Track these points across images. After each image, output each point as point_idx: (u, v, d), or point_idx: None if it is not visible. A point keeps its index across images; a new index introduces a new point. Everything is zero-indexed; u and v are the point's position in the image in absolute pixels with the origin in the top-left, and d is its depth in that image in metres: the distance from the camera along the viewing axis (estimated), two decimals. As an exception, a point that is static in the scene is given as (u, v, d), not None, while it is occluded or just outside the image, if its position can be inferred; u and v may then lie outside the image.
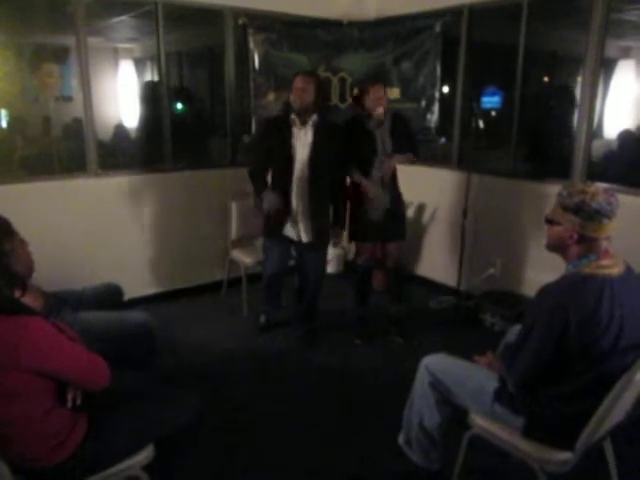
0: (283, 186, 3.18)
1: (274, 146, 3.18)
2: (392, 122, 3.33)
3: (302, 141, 3.14)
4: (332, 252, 4.85)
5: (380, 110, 3.19)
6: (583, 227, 1.72)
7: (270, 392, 3.00)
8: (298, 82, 3.07)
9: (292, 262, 3.67)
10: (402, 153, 3.35)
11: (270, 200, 3.12)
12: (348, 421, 2.74)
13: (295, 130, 3.14)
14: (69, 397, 1.67)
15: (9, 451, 1.62)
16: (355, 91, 3.56)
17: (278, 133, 3.16)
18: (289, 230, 3.28)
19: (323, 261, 3.52)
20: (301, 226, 3.25)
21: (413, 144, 3.44)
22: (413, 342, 3.54)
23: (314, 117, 3.13)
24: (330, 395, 2.98)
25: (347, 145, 3.25)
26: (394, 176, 3.42)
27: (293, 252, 3.55)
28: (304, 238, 3.27)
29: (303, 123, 3.13)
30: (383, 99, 3.24)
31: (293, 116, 3.13)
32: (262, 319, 3.74)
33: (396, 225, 3.48)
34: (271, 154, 3.21)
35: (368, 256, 3.55)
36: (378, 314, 3.79)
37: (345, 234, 3.60)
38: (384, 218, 3.38)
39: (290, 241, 3.34)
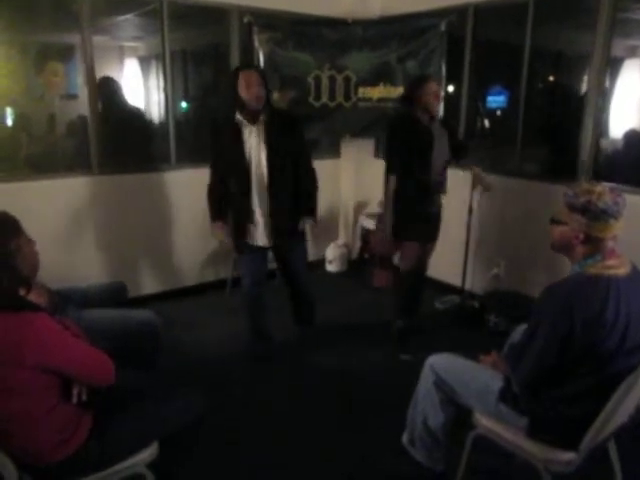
0: (243, 195, 2.94)
1: (226, 154, 2.93)
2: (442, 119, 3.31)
3: (256, 141, 2.86)
4: (336, 251, 4.86)
5: (436, 104, 3.13)
6: (589, 227, 1.71)
7: (271, 391, 3.00)
8: (247, 77, 2.75)
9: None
10: (454, 150, 3.32)
11: (216, 235, 3.07)
12: (349, 420, 2.74)
13: (246, 132, 2.85)
14: (74, 392, 1.67)
15: (14, 447, 1.63)
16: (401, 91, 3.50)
17: (227, 138, 2.89)
18: (257, 238, 3.04)
19: (304, 252, 3.29)
20: (266, 230, 3.01)
21: (461, 142, 3.44)
22: (416, 340, 3.53)
23: (264, 113, 2.83)
24: (331, 394, 2.97)
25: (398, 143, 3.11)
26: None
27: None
28: (270, 242, 3.04)
29: (254, 121, 2.84)
30: (439, 94, 3.16)
31: (240, 117, 2.83)
32: (258, 349, 3.39)
33: (437, 225, 3.44)
34: (225, 163, 2.96)
35: (414, 260, 3.34)
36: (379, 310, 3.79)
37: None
38: (432, 217, 3.33)
39: (263, 249, 3.11)
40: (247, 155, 2.87)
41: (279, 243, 3.06)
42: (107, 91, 3.88)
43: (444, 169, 3.30)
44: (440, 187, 3.31)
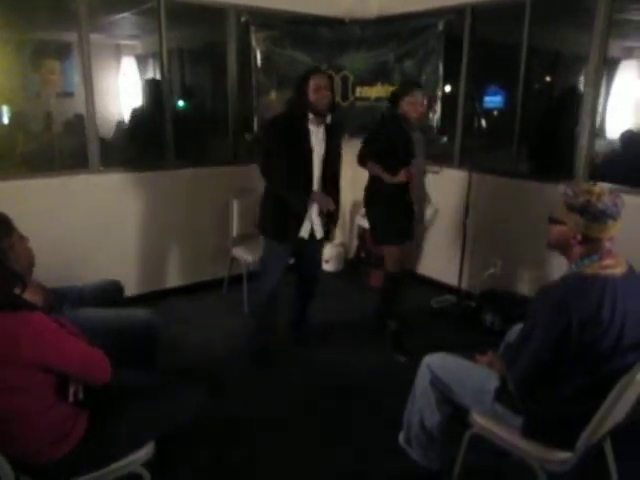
0: (304, 186, 3.05)
1: (290, 147, 3.01)
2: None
3: (318, 140, 3.04)
4: (333, 250, 4.86)
5: (414, 116, 3.19)
6: (587, 228, 1.72)
7: (269, 390, 3.00)
8: (319, 81, 2.93)
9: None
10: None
11: (322, 200, 3.05)
12: (347, 419, 2.74)
13: (312, 129, 3.02)
14: (71, 391, 1.67)
15: (10, 446, 1.62)
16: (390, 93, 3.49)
17: (294, 133, 3.01)
18: (305, 230, 3.15)
19: (321, 257, 3.53)
20: (316, 223, 3.16)
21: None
22: (412, 339, 3.53)
23: (329, 116, 3.04)
24: (329, 393, 2.98)
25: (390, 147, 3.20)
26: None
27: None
28: (318, 235, 3.19)
29: (318, 122, 3.02)
30: (417, 105, 3.19)
31: (312, 116, 2.99)
32: (262, 346, 3.40)
33: (416, 226, 3.45)
34: (287, 155, 3.03)
35: (398, 262, 3.38)
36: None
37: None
38: (410, 217, 3.34)
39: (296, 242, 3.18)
40: (312, 150, 3.02)
41: (319, 238, 3.21)
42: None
43: (422, 176, 3.38)
44: (418, 193, 3.33)
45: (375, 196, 3.33)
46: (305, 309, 3.55)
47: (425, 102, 3.29)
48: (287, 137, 2.99)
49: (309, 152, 3.01)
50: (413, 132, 3.24)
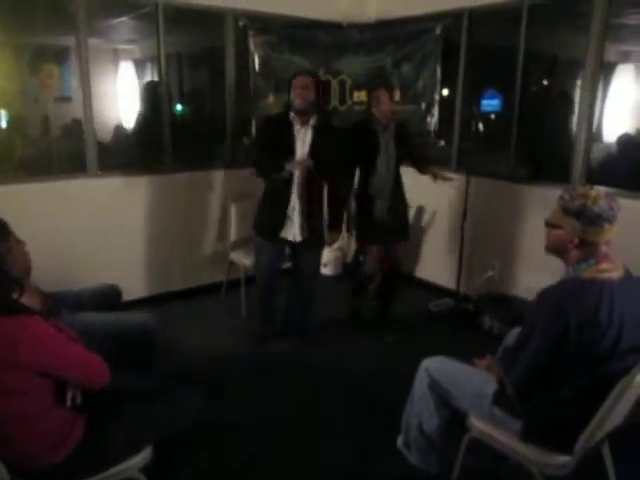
0: (286, 186, 3.14)
1: (275, 144, 3.14)
2: (397, 129, 3.44)
3: (302, 141, 3.12)
4: (331, 254, 4.86)
5: (380, 113, 3.31)
6: (584, 232, 1.72)
7: (268, 393, 3.00)
8: (299, 81, 3.05)
9: (287, 265, 3.65)
10: (401, 162, 3.49)
11: (295, 164, 3.06)
12: (347, 421, 2.74)
13: (296, 129, 3.11)
14: (69, 396, 1.67)
15: (7, 450, 1.62)
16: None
17: (279, 131, 3.13)
18: (286, 231, 3.23)
19: (317, 263, 3.50)
20: (296, 225, 3.21)
21: (418, 155, 3.61)
22: (410, 343, 3.54)
23: (314, 118, 3.11)
24: (329, 396, 2.98)
25: (351, 148, 3.29)
26: (397, 177, 3.50)
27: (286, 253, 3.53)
28: (297, 237, 3.23)
29: (304, 123, 3.10)
30: (383, 103, 3.32)
31: (293, 115, 3.10)
32: (262, 331, 3.59)
33: (401, 225, 3.56)
34: (272, 152, 3.16)
35: (376, 260, 3.56)
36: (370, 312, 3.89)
37: (346, 236, 3.63)
38: (391, 218, 3.45)
39: (285, 242, 3.30)
40: (293, 149, 3.11)
41: (304, 239, 3.24)
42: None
43: (392, 175, 3.43)
44: (386, 192, 3.43)
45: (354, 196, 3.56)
46: (302, 313, 3.56)
47: (390, 100, 3.38)
48: (272, 133, 3.16)
49: (290, 150, 3.09)
50: (383, 131, 3.36)
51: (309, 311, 3.57)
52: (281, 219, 3.20)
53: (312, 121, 3.11)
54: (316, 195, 3.21)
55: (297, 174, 3.11)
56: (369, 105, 3.42)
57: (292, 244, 3.30)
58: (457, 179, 3.79)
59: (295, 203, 3.18)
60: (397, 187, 3.51)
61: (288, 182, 3.13)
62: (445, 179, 3.62)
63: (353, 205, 3.55)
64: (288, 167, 3.06)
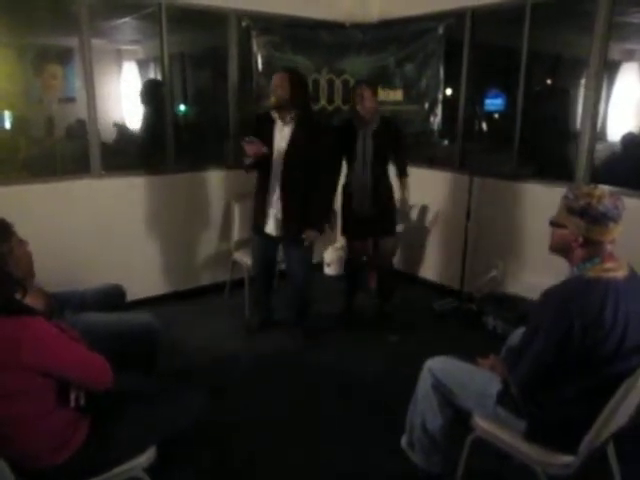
0: (264, 181, 3.26)
1: (258, 136, 3.20)
2: (380, 125, 3.42)
3: (282, 136, 3.20)
4: (334, 254, 4.86)
5: (358, 108, 3.35)
6: (588, 231, 1.72)
7: (270, 392, 3.00)
8: (274, 79, 3.15)
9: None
10: (385, 158, 3.50)
11: (248, 143, 3.10)
12: (348, 421, 2.74)
13: (278, 125, 3.21)
14: (72, 397, 1.67)
15: (11, 451, 1.62)
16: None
17: (262, 127, 3.25)
18: (267, 226, 3.33)
19: (303, 259, 3.43)
20: (273, 220, 3.30)
21: (401, 157, 3.56)
22: (414, 342, 3.54)
23: (293, 113, 3.16)
24: (330, 396, 2.97)
25: (334, 146, 3.33)
26: (384, 172, 3.52)
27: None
28: (274, 232, 3.31)
29: (282, 118, 3.18)
30: (366, 99, 3.33)
31: (273, 112, 3.21)
32: (251, 321, 3.79)
33: (384, 221, 3.56)
34: None
35: (358, 255, 3.73)
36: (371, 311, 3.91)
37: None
38: (372, 214, 3.47)
39: (272, 237, 3.37)
40: (272, 144, 3.19)
41: (284, 238, 3.32)
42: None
43: (369, 175, 3.44)
44: (364, 186, 3.46)
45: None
46: (296, 307, 3.63)
47: (373, 96, 3.39)
48: (257, 129, 3.26)
49: (270, 141, 3.19)
50: (363, 127, 3.38)
51: (303, 305, 3.60)
52: (262, 214, 3.31)
53: (290, 117, 3.17)
54: (294, 192, 3.22)
55: (275, 170, 3.20)
56: (353, 102, 3.43)
57: (281, 240, 3.38)
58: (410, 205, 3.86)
59: (272, 199, 3.26)
60: (379, 182, 3.48)
61: (266, 178, 3.24)
62: (402, 200, 3.61)
63: (338, 201, 3.59)
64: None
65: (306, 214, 3.22)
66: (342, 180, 3.63)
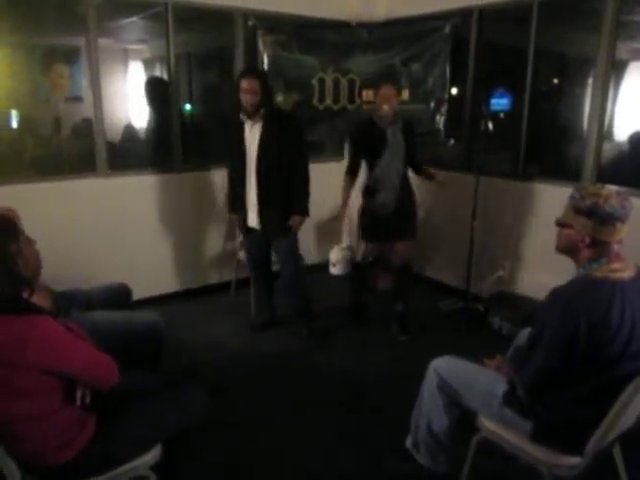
0: (241, 179, 3.33)
1: (232, 143, 3.34)
2: (404, 124, 3.44)
3: (253, 135, 3.24)
4: (340, 254, 4.85)
5: (385, 108, 3.31)
6: (595, 231, 1.71)
7: (274, 392, 3.00)
8: (243, 84, 3.11)
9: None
10: (413, 157, 3.50)
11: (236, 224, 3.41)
12: (352, 421, 2.74)
13: (247, 126, 3.25)
14: (78, 395, 1.68)
15: (17, 449, 1.63)
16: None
17: (235, 130, 3.30)
18: (250, 219, 3.41)
19: (289, 248, 3.46)
20: (254, 215, 3.36)
21: (418, 156, 3.58)
22: (420, 342, 3.53)
23: (261, 112, 3.18)
24: (334, 395, 2.97)
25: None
26: (405, 175, 3.48)
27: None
28: (257, 225, 3.37)
29: (251, 118, 3.22)
30: (390, 99, 3.32)
31: (242, 114, 3.23)
32: (256, 320, 3.82)
33: (408, 222, 3.54)
34: (231, 153, 3.41)
35: (373, 253, 3.73)
36: (383, 311, 3.87)
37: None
38: (394, 216, 3.43)
39: (256, 231, 3.43)
40: (246, 146, 3.26)
41: (267, 229, 3.37)
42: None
43: (399, 173, 3.43)
44: (392, 189, 3.43)
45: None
46: (292, 299, 3.63)
47: (395, 95, 3.39)
48: (231, 132, 3.34)
49: (241, 144, 3.27)
50: (389, 126, 3.36)
51: (303, 302, 3.60)
52: (243, 209, 3.40)
53: (259, 115, 3.19)
54: (271, 183, 3.27)
55: (249, 167, 3.27)
56: (377, 101, 3.40)
57: (267, 233, 3.40)
58: (448, 182, 3.74)
59: (250, 192, 3.33)
60: (404, 183, 3.48)
61: (243, 177, 3.31)
62: (440, 183, 3.61)
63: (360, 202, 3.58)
64: None
65: (289, 201, 3.31)
66: (361, 180, 3.61)
